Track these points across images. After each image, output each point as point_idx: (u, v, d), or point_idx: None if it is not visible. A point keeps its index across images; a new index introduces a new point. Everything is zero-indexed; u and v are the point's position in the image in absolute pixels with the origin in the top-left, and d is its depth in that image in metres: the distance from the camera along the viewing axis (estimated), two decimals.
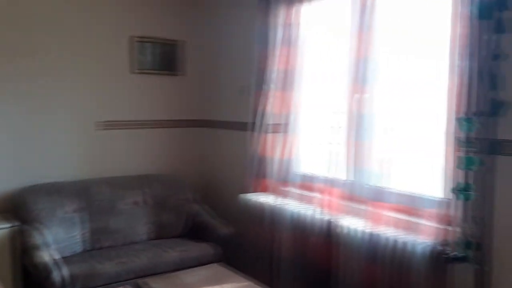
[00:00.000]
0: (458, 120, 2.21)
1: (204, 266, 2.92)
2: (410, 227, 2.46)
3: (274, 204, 3.22)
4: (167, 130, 4.11)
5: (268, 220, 3.25)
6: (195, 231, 3.60)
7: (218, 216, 3.71)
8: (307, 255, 2.95)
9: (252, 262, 3.38)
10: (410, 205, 2.52)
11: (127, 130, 3.88)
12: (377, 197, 2.61)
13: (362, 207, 2.72)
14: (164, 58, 4.02)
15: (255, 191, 3.46)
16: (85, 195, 3.41)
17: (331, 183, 2.89)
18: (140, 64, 3.88)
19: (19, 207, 3.19)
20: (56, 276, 2.70)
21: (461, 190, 2.22)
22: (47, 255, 2.79)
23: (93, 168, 3.70)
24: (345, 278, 2.68)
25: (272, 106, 3.34)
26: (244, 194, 3.47)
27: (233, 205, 3.69)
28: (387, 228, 2.53)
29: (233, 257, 3.41)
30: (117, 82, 3.82)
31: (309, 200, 3.05)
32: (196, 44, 4.18)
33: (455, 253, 2.25)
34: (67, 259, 3.00)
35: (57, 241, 3.10)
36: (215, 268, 2.88)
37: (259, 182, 3.48)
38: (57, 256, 2.85)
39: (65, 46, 3.55)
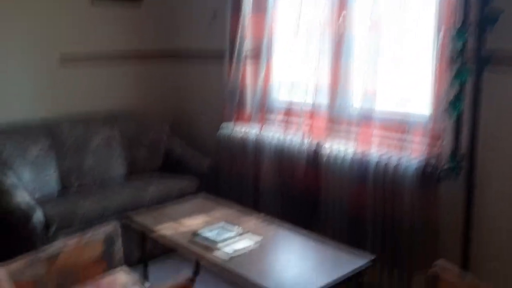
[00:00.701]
0: (450, 32, 2.16)
1: (188, 198, 2.87)
2: (399, 146, 2.48)
3: (256, 133, 3.15)
4: (136, 63, 3.87)
5: (250, 150, 3.20)
6: (172, 166, 3.51)
7: (195, 150, 3.62)
8: (293, 182, 2.94)
9: (234, 193, 3.35)
10: (398, 124, 2.52)
11: (93, 64, 3.63)
12: (364, 118, 2.59)
13: (349, 130, 2.70)
14: None
15: (234, 122, 3.38)
16: (55, 133, 3.21)
17: (314, 108, 2.84)
18: None
19: None
20: (36, 219, 2.58)
21: (451, 104, 2.22)
22: (23, 199, 2.64)
23: (60, 105, 3.47)
24: (334, 202, 2.70)
25: (250, 31, 3.19)
26: (223, 126, 3.38)
27: (211, 137, 3.60)
28: (375, 148, 2.53)
29: (214, 189, 3.36)
30: (80, 10, 3.50)
31: (292, 128, 3.00)
32: None
33: (445, 167, 2.29)
34: (44, 201, 2.87)
35: (31, 183, 2.94)
36: (200, 199, 2.83)
37: (239, 112, 3.39)
38: (34, 199, 2.71)
39: None
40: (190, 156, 3.49)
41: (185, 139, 3.81)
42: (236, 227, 2.32)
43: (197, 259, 2.65)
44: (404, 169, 2.36)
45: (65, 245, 2.08)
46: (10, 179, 2.80)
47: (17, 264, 1.94)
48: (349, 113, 2.72)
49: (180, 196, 3.11)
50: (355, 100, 2.71)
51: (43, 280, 1.98)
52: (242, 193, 3.30)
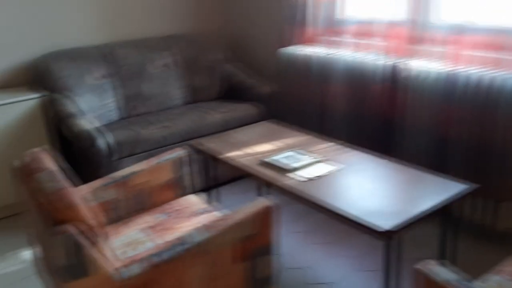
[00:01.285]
0: None
1: (255, 124, 2.72)
2: (494, 63, 2.17)
3: (323, 54, 2.90)
4: None
5: (316, 73, 2.97)
6: (232, 93, 3.36)
7: (255, 75, 3.42)
8: (365, 105, 2.72)
9: (298, 120, 3.18)
10: (494, 39, 2.20)
11: None
12: (453, 34, 2.27)
13: (434, 47, 2.41)
14: None
15: (296, 43, 3.13)
16: (111, 59, 3.09)
17: (392, 24, 2.54)
18: None
19: (44, 76, 2.89)
20: (101, 143, 2.52)
21: None
22: (87, 123, 2.57)
23: (113, 30, 3.33)
24: (414, 125, 2.47)
25: None
26: (284, 48, 3.14)
27: (271, 62, 3.38)
28: (467, 66, 2.25)
29: (276, 116, 3.20)
30: None
31: (365, 47, 2.73)
32: None
33: None
34: (106, 127, 2.80)
35: (91, 109, 2.88)
36: (267, 125, 2.67)
37: (301, 32, 3.13)
38: (97, 124, 2.64)
39: None
40: (250, 82, 3.30)
41: (245, 63, 3.61)
42: (308, 154, 2.16)
43: (267, 184, 2.54)
44: (499, 87, 2.08)
45: (135, 170, 2.00)
46: (73, 105, 2.73)
47: (89, 187, 1.89)
48: (433, 29, 2.41)
49: (242, 123, 2.98)
50: (442, 14, 2.39)
51: (114, 204, 1.93)
52: (306, 119, 3.12)
